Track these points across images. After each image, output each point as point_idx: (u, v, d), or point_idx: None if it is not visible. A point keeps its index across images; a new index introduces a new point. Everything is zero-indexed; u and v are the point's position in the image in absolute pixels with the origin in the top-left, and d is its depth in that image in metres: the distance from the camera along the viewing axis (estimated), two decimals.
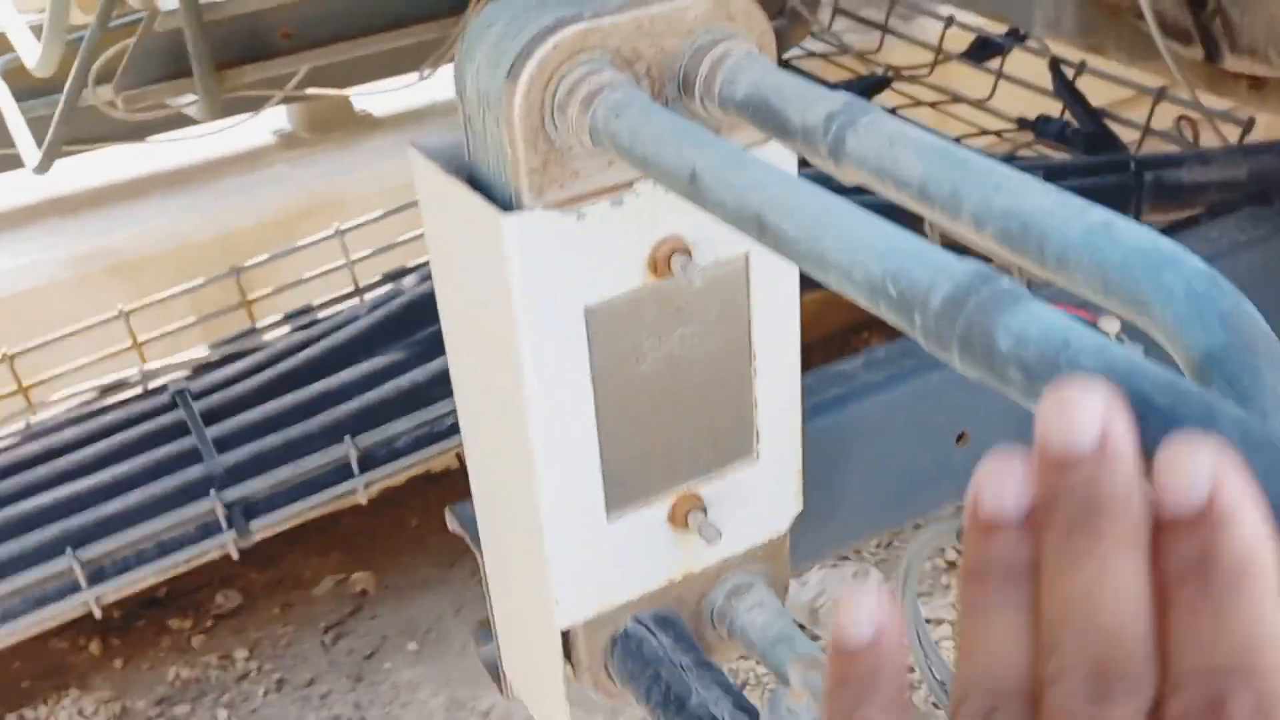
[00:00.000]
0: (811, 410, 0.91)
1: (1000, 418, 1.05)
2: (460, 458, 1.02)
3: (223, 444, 1.30)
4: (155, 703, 2.03)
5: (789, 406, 0.83)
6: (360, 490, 1.34)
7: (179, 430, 1.33)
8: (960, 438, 1.05)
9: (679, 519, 0.81)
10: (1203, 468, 0.28)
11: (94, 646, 2.11)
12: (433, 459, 1.34)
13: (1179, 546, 0.28)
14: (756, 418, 0.82)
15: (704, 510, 0.81)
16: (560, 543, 0.78)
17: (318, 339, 1.41)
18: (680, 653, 0.81)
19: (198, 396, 1.36)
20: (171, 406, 1.35)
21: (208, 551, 1.29)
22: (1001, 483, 0.31)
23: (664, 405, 0.78)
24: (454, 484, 2.30)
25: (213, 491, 1.26)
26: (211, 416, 1.33)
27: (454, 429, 1.33)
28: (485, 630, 1.00)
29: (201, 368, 1.45)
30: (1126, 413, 0.30)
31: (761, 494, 0.84)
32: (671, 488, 0.81)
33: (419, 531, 2.28)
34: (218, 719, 1.99)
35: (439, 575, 2.20)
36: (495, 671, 0.97)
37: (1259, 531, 0.28)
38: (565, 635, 0.82)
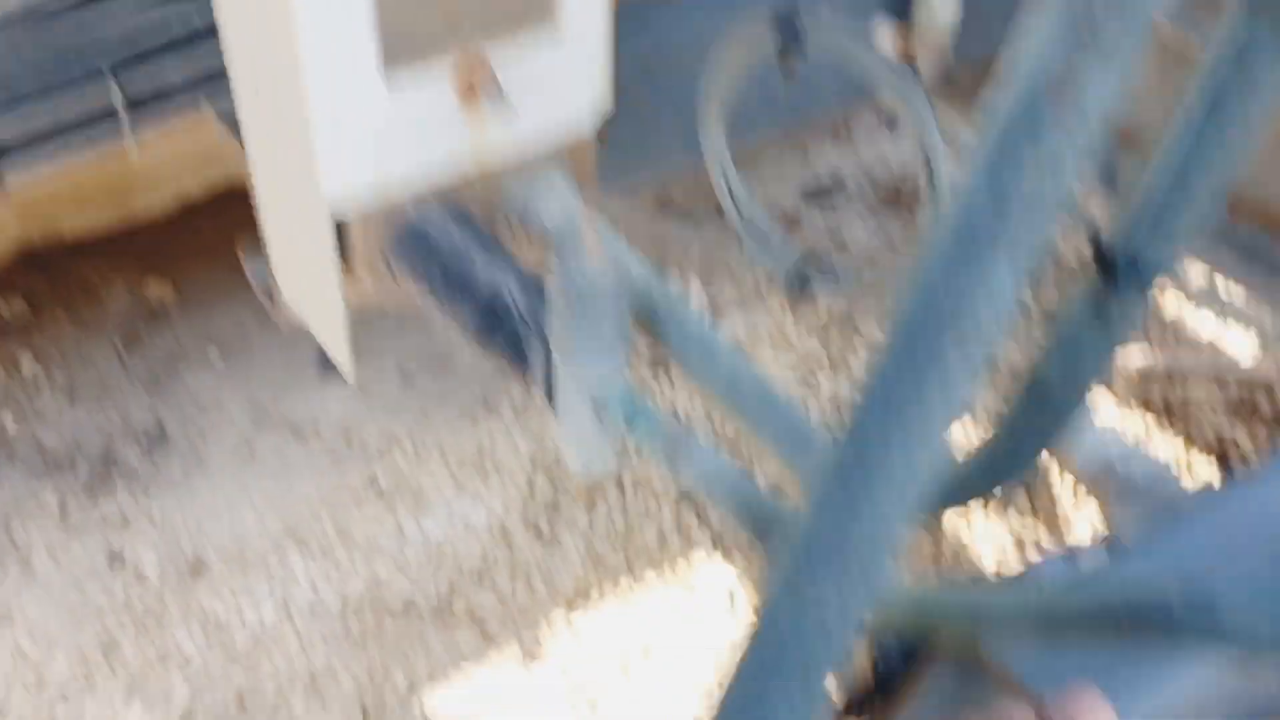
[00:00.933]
0: (623, 30, 0.81)
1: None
2: None
3: None
4: None
5: None
6: (130, 140, 1.19)
7: None
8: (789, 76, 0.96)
9: (465, 88, 0.71)
10: None
11: None
12: (206, 112, 1.19)
13: None
14: None
15: (497, 84, 0.71)
16: (329, 115, 0.67)
17: None
18: (468, 241, 0.72)
19: None
20: None
21: None
22: None
23: None
24: None
25: None
26: None
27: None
28: (255, 250, 0.89)
29: None
30: None
31: (563, 75, 0.75)
32: (456, 46, 0.70)
33: (218, 243, 2.11)
34: (5, 426, 1.85)
35: (241, 286, 2.05)
36: (266, 289, 0.87)
37: None
38: (340, 229, 0.73)
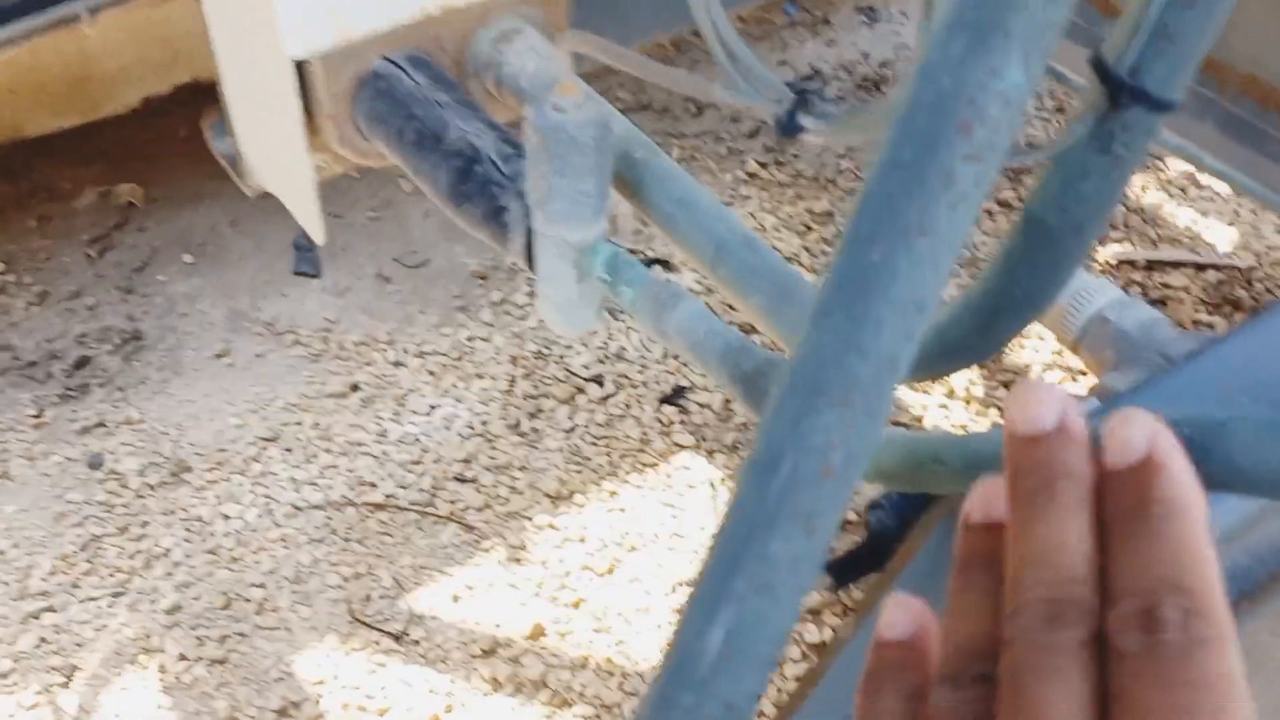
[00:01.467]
0: None
1: None
2: None
3: None
4: None
5: None
6: (84, 17, 1.13)
7: None
8: None
9: None
10: (1142, 429, 0.34)
11: None
12: None
13: (1123, 493, 0.33)
14: None
15: None
16: None
17: None
18: (438, 91, 0.68)
19: None
20: None
21: None
22: (1039, 405, 0.36)
23: None
24: None
25: None
26: None
27: None
28: (219, 122, 0.85)
29: None
30: (1077, 404, 0.35)
31: None
32: None
33: (188, 143, 2.05)
34: None
35: (213, 188, 2.01)
36: (233, 162, 0.83)
37: (1188, 477, 0.33)
38: (303, 77, 0.68)
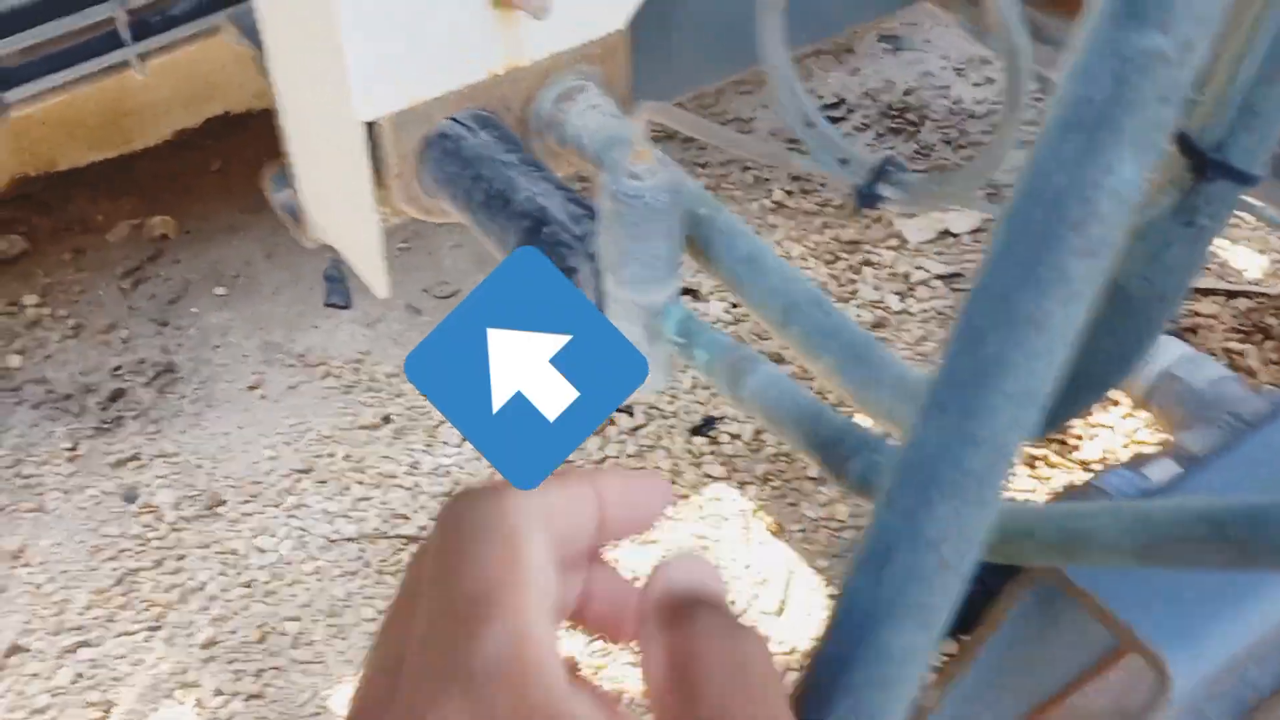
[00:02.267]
0: None
1: None
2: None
3: None
4: None
5: None
6: (135, 62, 1.14)
7: None
8: None
9: None
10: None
11: None
12: (215, 31, 1.14)
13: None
14: None
15: None
16: (357, 13, 0.63)
17: None
18: (504, 151, 0.68)
19: None
20: None
21: None
22: None
23: None
24: (257, 127, 2.09)
25: None
26: None
27: None
28: (278, 175, 0.85)
29: None
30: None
31: None
32: None
33: (221, 175, 2.07)
34: (9, 365, 1.82)
35: (245, 220, 2.02)
36: (294, 214, 0.83)
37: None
38: (371, 137, 0.69)
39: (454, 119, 0.70)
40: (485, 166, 0.67)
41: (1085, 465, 1.78)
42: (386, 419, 1.79)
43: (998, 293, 0.35)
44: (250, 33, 0.75)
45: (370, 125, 0.68)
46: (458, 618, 0.31)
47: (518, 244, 0.65)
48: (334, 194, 0.76)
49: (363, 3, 0.63)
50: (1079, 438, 1.79)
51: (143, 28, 1.11)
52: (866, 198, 0.49)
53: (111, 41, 1.12)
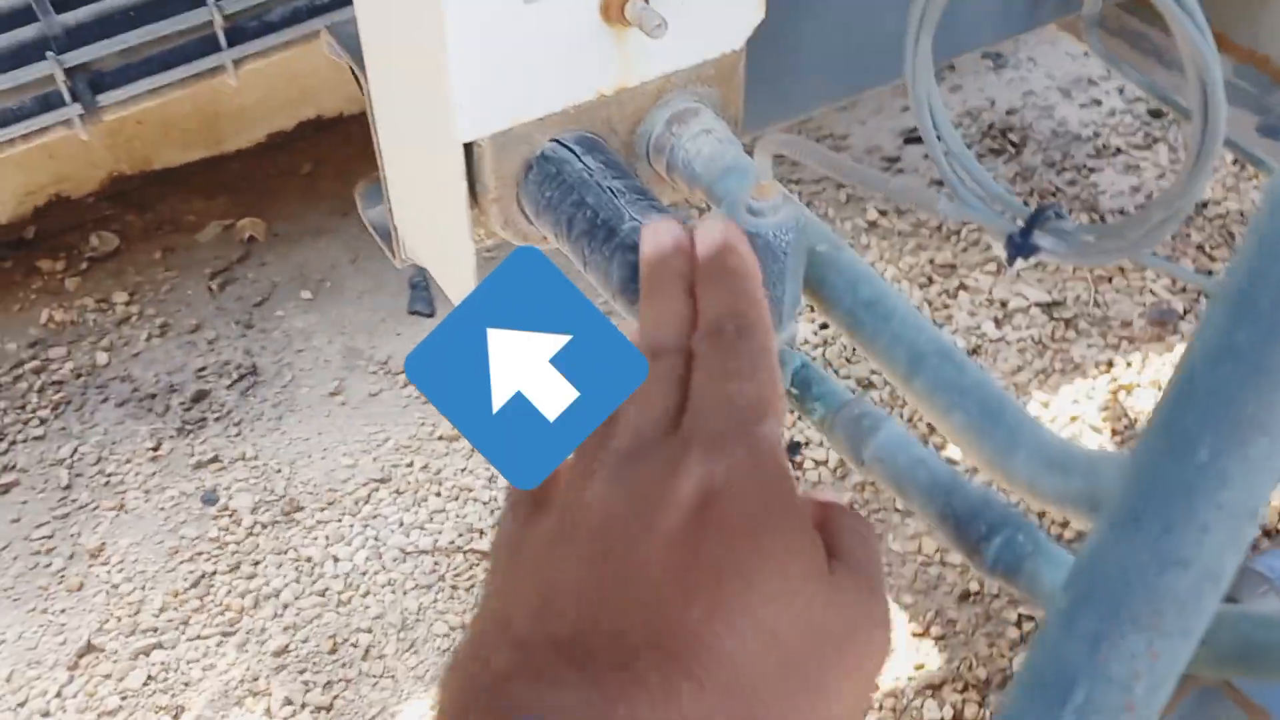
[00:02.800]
0: None
1: None
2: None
3: (61, 2, 1.05)
4: (28, 345, 1.84)
5: None
6: (229, 68, 1.12)
7: None
8: None
9: (614, 10, 0.62)
10: (718, 225, 0.48)
11: None
12: (312, 36, 1.11)
13: (708, 270, 0.47)
14: None
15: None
16: (463, 31, 0.59)
17: None
18: (610, 177, 0.64)
19: None
20: None
21: (48, 127, 1.07)
22: (659, 234, 0.49)
23: None
24: (349, 131, 2.07)
25: (50, 54, 1.02)
26: None
27: (336, 1, 1.11)
28: (371, 189, 0.82)
29: None
30: (685, 231, 0.49)
31: None
32: None
33: (311, 179, 2.06)
34: (97, 362, 1.82)
35: (333, 224, 2.00)
36: (386, 234, 0.79)
37: (748, 252, 0.48)
38: (469, 158, 0.65)
39: (557, 141, 0.65)
40: (589, 193, 0.62)
41: None
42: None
43: (1214, 389, 0.29)
44: (348, 44, 0.71)
45: (468, 146, 0.63)
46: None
47: (622, 279, 0.60)
48: (427, 215, 0.71)
49: (471, 19, 0.58)
50: None
51: (239, 33, 1.09)
52: (1021, 248, 0.44)
53: (207, 46, 1.10)
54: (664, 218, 0.50)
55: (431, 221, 0.71)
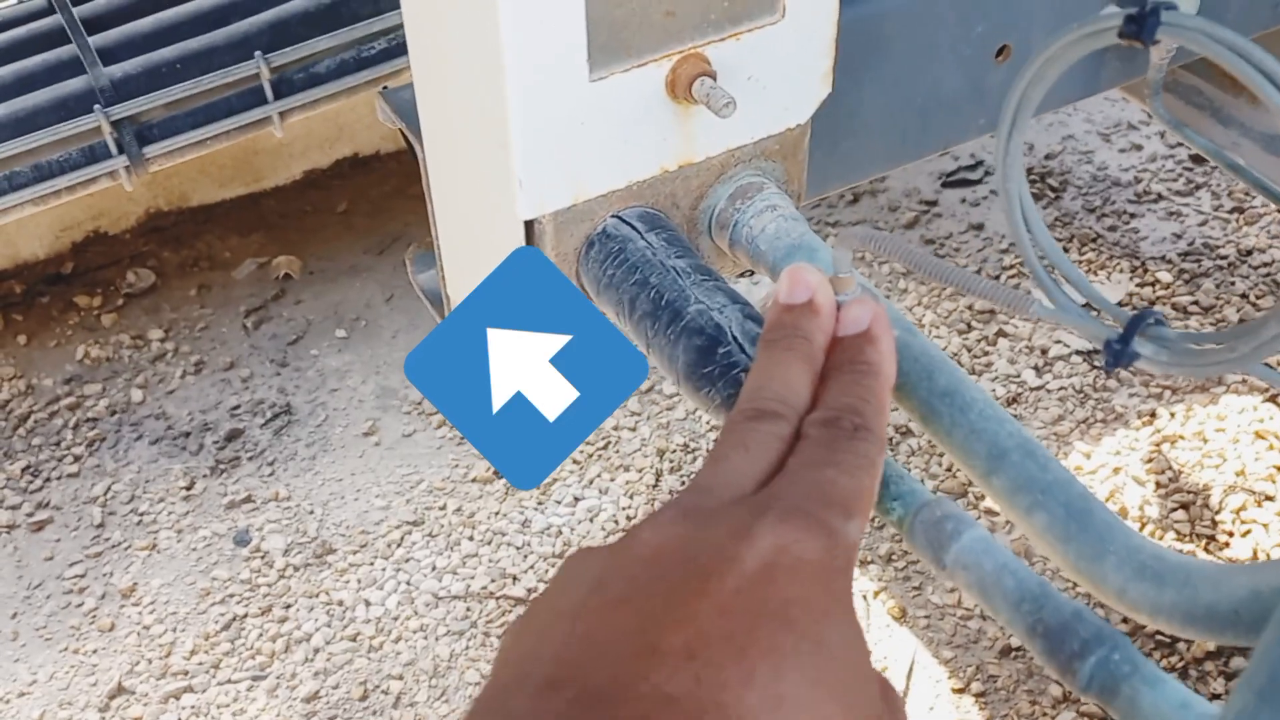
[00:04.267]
0: None
1: (1049, 30, 0.85)
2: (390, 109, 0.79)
3: (108, 54, 1.04)
4: (64, 381, 1.83)
5: None
6: (275, 120, 1.11)
7: (57, 38, 1.06)
8: (1001, 52, 0.84)
9: (680, 88, 0.61)
10: (867, 311, 0.47)
11: None
12: (359, 88, 1.10)
13: (844, 352, 0.47)
14: None
15: (713, 77, 0.61)
16: (528, 108, 0.57)
17: None
18: (674, 255, 0.62)
19: (79, 2, 1.09)
20: (48, 11, 1.08)
21: (95, 179, 1.06)
22: (800, 284, 0.48)
23: None
24: (385, 169, 2.07)
25: (97, 107, 1.02)
26: (96, 25, 1.07)
27: (385, 54, 1.10)
28: (423, 254, 0.80)
29: None
30: (829, 287, 0.49)
31: (783, 66, 0.64)
32: (672, 45, 0.60)
33: (347, 216, 2.05)
34: (131, 399, 1.81)
35: (368, 262, 1.99)
36: (437, 300, 0.78)
37: (889, 350, 0.47)
38: (529, 234, 0.63)
39: (619, 217, 0.63)
40: (653, 272, 0.60)
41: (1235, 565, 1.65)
42: (499, 473, 1.74)
43: None
44: (402, 111, 0.70)
45: (529, 223, 0.62)
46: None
47: (688, 364, 0.58)
48: None
49: (535, 97, 0.56)
50: (1229, 534, 1.66)
51: (286, 85, 1.08)
52: (1120, 355, 0.41)
53: (253, 98, 1.09)
54: (807, 266, 0.49)
55: None
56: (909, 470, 0.75)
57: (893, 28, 0.79)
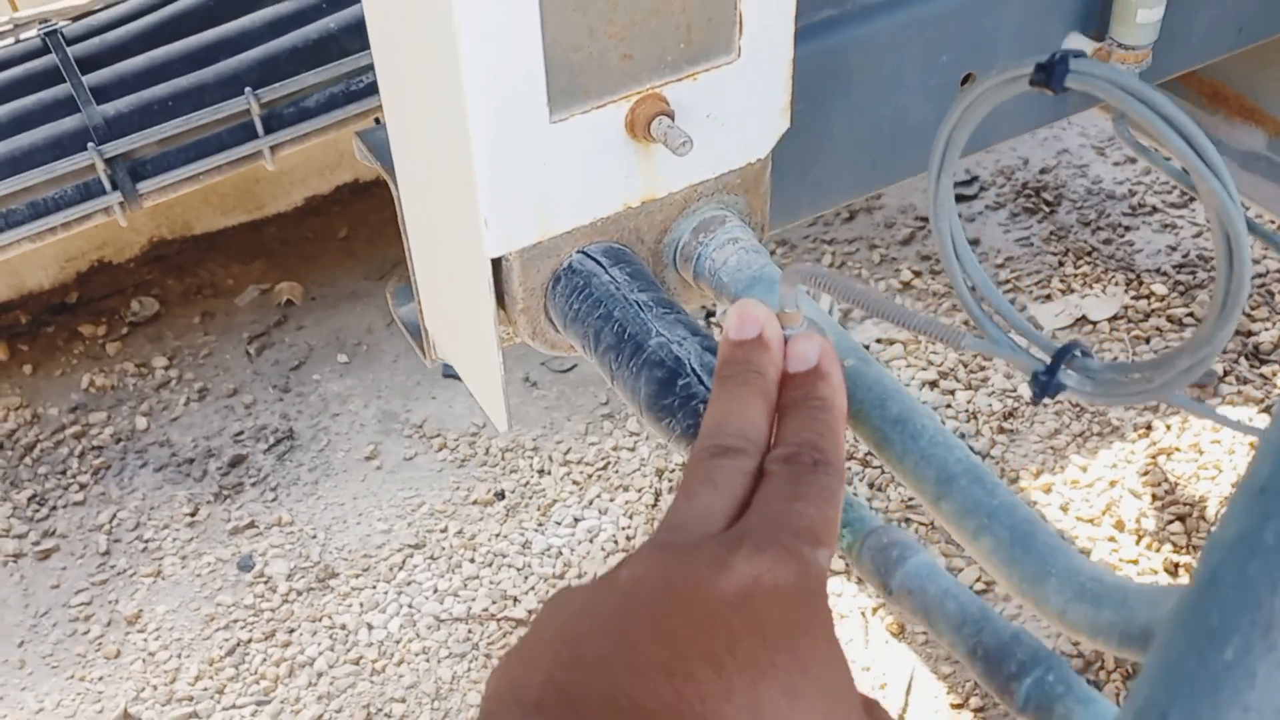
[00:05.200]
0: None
1: (1013, 57, 0.87)
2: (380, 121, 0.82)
3: (102, 93, 1.07)
4: (69, 409, 1.87)
5: None
6: (266, 154, 1.13)
7: (51, 78, 1.09)
8: (966, 80, 0.86)
9: (639, 128, 0.63)
10: (815, 346, 0.49)
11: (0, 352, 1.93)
12: (348, 121, 1.13)
13: (795, 388, 0.49)
14: (741, 3, 0.63)
15: (671, 116, 0.63)
16: (491, 150, 0.59)
17: None
18: (637, 289, 0.64)
19: (72, 42, 1.12)
20: (42, 51, 1.11)
21: (90, 215, 1.09)
22: (748, 320, 0.50)
23: None
24: (384, 195, 2.09)
25: (91, 145, 1.04)
26: (89, 64, 1.10)
27: (373, 87, 1.12)
28: (403, 287, 0.82)
29: (81, 16, 1.20)
30: (775, 322, 0.50)
31: (741, 104, 0.66)
32: (631, 86, 0.62)
33: (348, 242, 2.08)
34: (136, 426, 1.84)
35: (369, 287, 2.02)
36: (416, 333, 0.80)
37: (839, 384, 0.49)
38: (497, 270, 0.65)
39: (584, 252, 0.65)
40: (616, 306, 0.63)
41: None
42: (500, 495, 1.76)
43: (1239, 586, 0.28)
44: (379, 151, 0.72)
45: (496, 260, 0.64)
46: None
47: (649, 396, 0.60)
48: (456, 320, 0.72)
49: (498, 139, 0.59)
50: None
51: (276, 119, 1.11)
52: (1046, 386, 0.43)
53: (244, 134, 1.12)
54: (753, 301, 0.50)
55: (460, 327, 0.72)
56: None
57: (858, 58, 0.81)
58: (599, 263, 0.65)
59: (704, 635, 0.37)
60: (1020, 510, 0.55)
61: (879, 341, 1.90)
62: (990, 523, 0.55)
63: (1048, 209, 2.10)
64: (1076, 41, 0.87)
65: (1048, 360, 0.45)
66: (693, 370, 0.59)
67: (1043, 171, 2.18)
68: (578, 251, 0.65)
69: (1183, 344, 0.40)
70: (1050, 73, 0.39)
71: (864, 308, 0.49)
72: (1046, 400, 0.44)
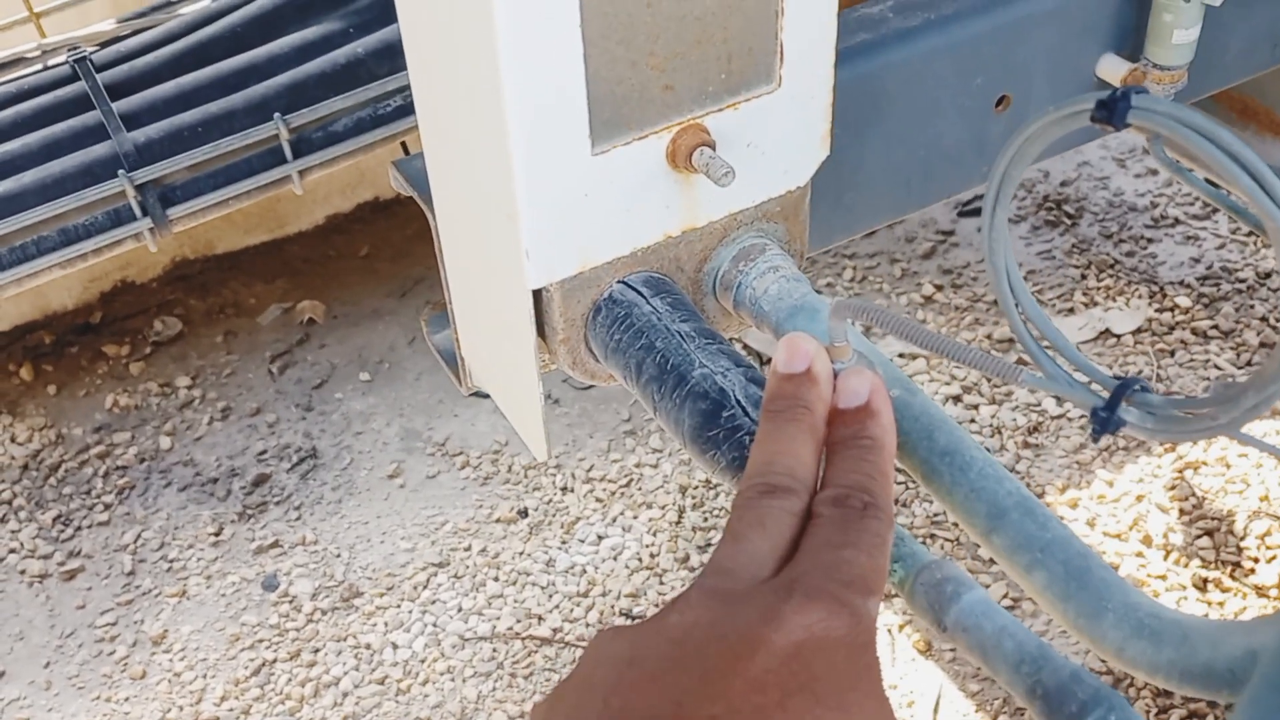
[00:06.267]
0: None
1: (1047, 79, 0.87)
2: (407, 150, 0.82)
3: (132, 120, 1.07)
4: (93, 430, 1.87)
5: (823, 21, 0.64)
6: (295, 178, 1.13)
7: (81, 105, 1.10)
8: (1000, 102, 0.86)
9: (680, 158, 0.62)
10: (866, 383, 0.49)
11: (24, 372, 1.93)
12: (375, 145, 1.13)
13: (845, 426, 0.48)
14: (781, 33, 0.62)
15: (712, 146, 0.62)
16: (533, 182, 0.59)
17: (241, 4, 1.17)
18: (678, 320, 0.63)
19: (102, 69, 1.12)
20: (72, 78, 1.12)
21: (120, 241, 1.09)
22: (798, 354, 0.49)
23: (667, 10, 0.58)
24: (406, 212, 2.10)
25: (121, 172, 1.05)
26: (119, 91, 1.10)
27: (400, 111, 1.12)
28: (438, 315, 0.82)
29: (109, 42, 1.21)
30: (825, 356, 0.50)
31: (781, 133, 0.65)
32: (672, 117, 0.62)
33: (369, 260, 2.08)
34: (160, 446, 1.84)
35: (391, 306, 2.02)
36: (452, 360, 0.80)
37: (889, 423, 0.48)
38: (537, 301, 0.65)
39: (625, 282, 0.65)
40: (658, 337, 0.62)
41: (1261, 591, 1.65)
42: (523, 513, 1.75)
43: None
44: (415, 181, 0.72)
45: (537, 291, 0.64)
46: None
47: (694, 428, 0.60)
48: (494, 350, 0.72)
49: (540, 171, 0.59)
50: (1255, 560, 1.66)
51: (305, 144, 1.11)
52: (1106, 423, 0.43)
53: (273, 159, 1.12)
54: (803, 335, 0.50)
55: (498, 357, 0.71)
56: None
57: (893, 84, 0.81)
58: (640, 293, 0.65)
59: (755, 690, 0.37)
60: (1074, 544, 0.55)
61: (901, 356, 1.89)
62: (1044, 557, 0.54)
63: (1069, 222, 2.09)
64: (1111, 63, 0.86)
65: (1106, 396, 0.44)
66: (737, 402, 0.59)
67: (1063, 184, 2.17)
68: (618, 281, 0.65)
69: (1249, 379, 0.39)
70: (1112, 109, 0.39)
71: (917, 343, 0.48)
72: (1108, 435, 0.43)
